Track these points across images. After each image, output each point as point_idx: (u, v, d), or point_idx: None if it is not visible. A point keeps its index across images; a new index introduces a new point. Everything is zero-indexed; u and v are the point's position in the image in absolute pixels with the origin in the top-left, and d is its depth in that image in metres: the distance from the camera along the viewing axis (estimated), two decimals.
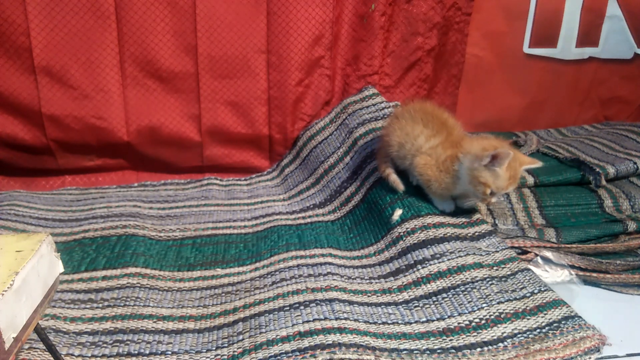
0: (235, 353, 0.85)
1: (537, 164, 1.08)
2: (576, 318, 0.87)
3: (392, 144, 1.19)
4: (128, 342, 0.89)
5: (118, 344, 0.89)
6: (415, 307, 0.96)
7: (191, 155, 1.60)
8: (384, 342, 0.85)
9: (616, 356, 0.85)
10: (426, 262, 1.03)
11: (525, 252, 1.12)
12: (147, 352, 0.87)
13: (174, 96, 1.54)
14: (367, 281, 1.05)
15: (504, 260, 1.03)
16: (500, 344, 0.84)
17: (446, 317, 0.92)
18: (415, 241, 1.08)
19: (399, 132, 1.17)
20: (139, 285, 1.04)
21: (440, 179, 1.11)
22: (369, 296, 1.00)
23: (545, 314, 0.89)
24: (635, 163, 1.41)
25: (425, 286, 0.99)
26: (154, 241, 1.22)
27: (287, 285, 1.01)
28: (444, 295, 0.96)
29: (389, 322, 0.92)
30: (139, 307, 0.98)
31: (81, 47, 1.44)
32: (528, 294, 0.93)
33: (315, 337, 0.83)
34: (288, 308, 0.93)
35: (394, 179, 1.21)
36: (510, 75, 1.83)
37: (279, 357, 0.81)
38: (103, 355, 0.86)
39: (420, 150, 1.14)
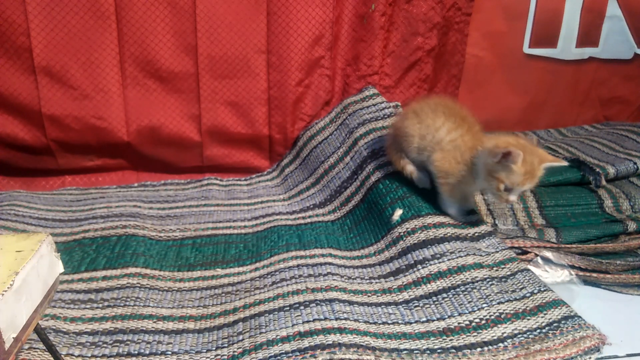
0: (235, 353, 0.85)
1: (561, 162, 1.05)
2: (576, 318, 0.87)
3: (412, 135, 1.17)
4: (128, 342, 0.89)
5: (118, 344, 0.89)
6: (416, 307, 0.96)
7: (191, 155, 1.60)
8: (384, 342, 0.85)
9: (616, 356, 0.85)
10: (426, 262, 1.03)
11: (525, 252, 1.12)
12: (147, 352, 0.87)
13: (174, 96, 1.54)
14: (367, 281, 1.05)
15: (504, 260, 1.03)
16: (501, 344, 0.84)
17: (446, 317, 0.92)
18: (416, 241, 1.08)
19: (419, 125, 1.16)
20: (139, 285, 1.04)
21: (457, 172, 1.10)
22: (369, 296, 1.00)
23: (545, 314, 0.89)
24: (635, 163, 1.41)
25: (426, 286, 0.99)
26: (154, 241, 1.22)
27: (287, 285, 1.01)
28: (444, 295, 0.96)
29: (389, 322, 0.92)
30: (139, 307, 0.98)
31: (81, 47, 1.44)
32: (528, 294, 0.93)
33: (315, 337, 0.83)
34: (288, 308, 0.93)
35: (418, 176, 1.20)
36: (510, 76, 1.83)
37: (279, 357, 0.81)
38: (103, 356, 0.86)
39: (440, 143, 1.12)
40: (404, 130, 1.19)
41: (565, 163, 1.06)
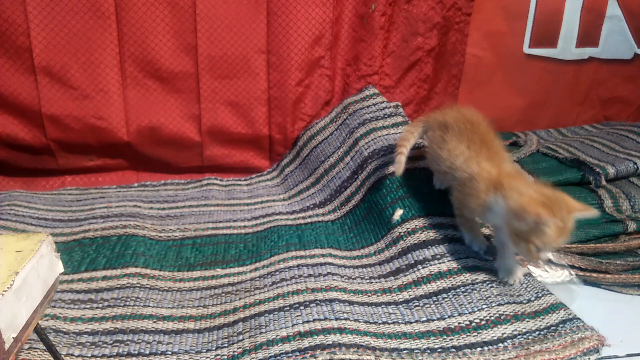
0: (235, 353, 0.85)
1: (591, 212, 0.91)
2: (574, 320, 0.88)
3: (431, 148, 1.12)
4: (128, 342, 0.89)
5: (118, 344, 0.89)
6: (416, 306, 0.96)
7: (191, 155, 1.60)
8: (384, 342, 0.85)
9: (616, 356, 0.85)
10: (427, 262, 1.03)
11: None
12: (147, 352, 0.87)
13: (174, 96, 1.54)
14: (367, 281, 1.05)
15: None
16: (501, 345, 0.84)
17: (446, 316, 0.92)
18: (416, 241, 1.08)
19: (441, 144, 1.08)
20: (139, 285, 1.04)
21: (466, 200, 1.01)
22: (369, 296, 1.00)
23: (543, 318, 0.89)
24: (635, 163, 1.41)
25: (426, 286, 0.99)
26: (154, 241, 1.22)
27: (287, 285, 1.01)
28: (444, 295, 0.96)
29: (389, 321, 0.92)
30: (139, 307, 0.98)
31: (81, 47, 1.44)
32: (525, 301, 0.94)
33: (315, 337, 0.83)
34: (288, 308, 0.93)
35: (400, 160, 1.14)
36: (510, 76, 1.83)
37: (279, 357, 0.81)
38: (103, 356, 0.86)
39: (457, 170, 1.04)
40: (430, 139, 1.13)
41: (596, 213, 0.92)
